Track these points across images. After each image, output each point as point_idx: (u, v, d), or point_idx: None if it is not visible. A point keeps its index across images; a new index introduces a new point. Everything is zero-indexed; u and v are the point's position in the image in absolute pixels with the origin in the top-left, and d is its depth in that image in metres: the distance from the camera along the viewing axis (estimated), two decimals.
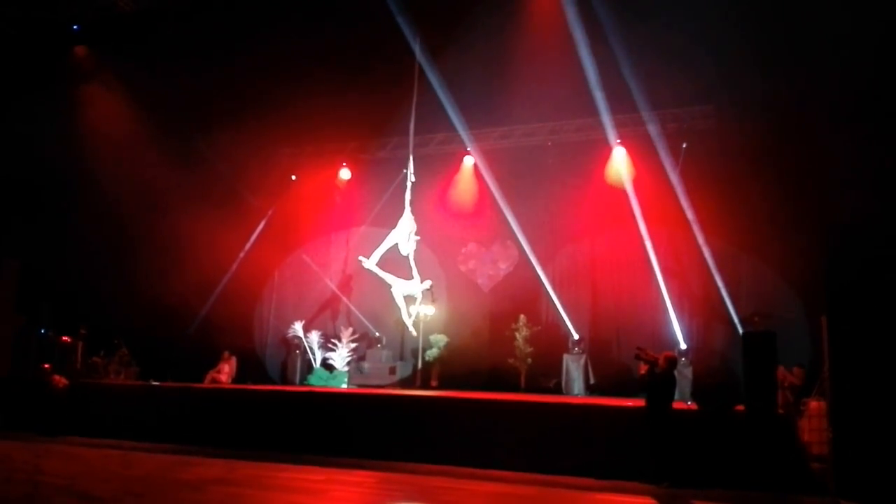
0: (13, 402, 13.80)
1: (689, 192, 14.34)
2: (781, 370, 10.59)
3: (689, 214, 14.31)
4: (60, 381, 13.55)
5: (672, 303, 14.36)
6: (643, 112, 15.00)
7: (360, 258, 14.86)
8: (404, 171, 16.98)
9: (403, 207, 14.77)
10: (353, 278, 17.97)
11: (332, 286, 17.97)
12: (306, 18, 15.56)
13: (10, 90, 16.56)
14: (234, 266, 17.82)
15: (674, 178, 14.62)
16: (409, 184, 14.76)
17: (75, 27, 17.35)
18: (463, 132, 16.41)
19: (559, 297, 15.54)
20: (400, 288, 14.59)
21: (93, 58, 18.00)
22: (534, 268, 16.02)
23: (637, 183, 15.25)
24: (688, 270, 14.54)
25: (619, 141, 15.60)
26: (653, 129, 15.16)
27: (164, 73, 16.19)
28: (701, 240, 14.20)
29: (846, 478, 8.13)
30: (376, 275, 14.66)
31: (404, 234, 14.46)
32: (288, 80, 15.93)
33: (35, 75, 16.87)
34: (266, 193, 18.22)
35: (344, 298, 17.77)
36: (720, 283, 13.99)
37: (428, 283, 14.58)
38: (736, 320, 13.50)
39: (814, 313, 10.17)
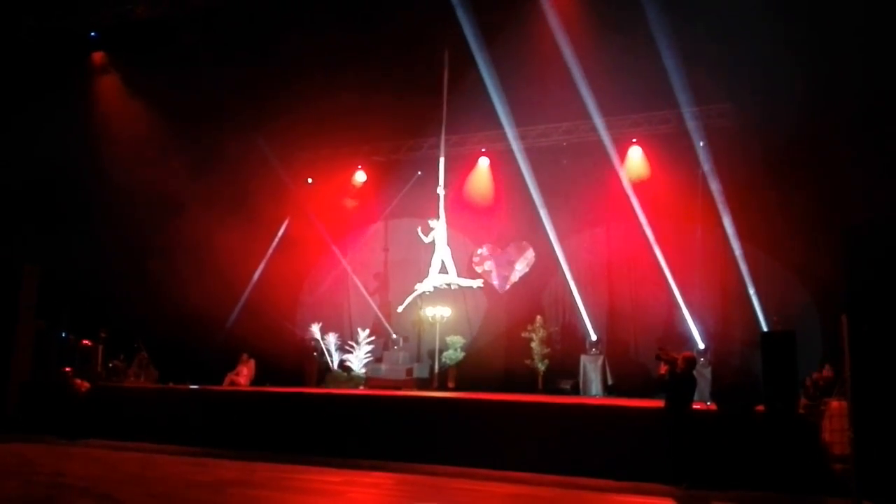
0: (35, 406, 13.92)
1: (707, 192, 14.26)
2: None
3: (707, 214, 14.24)
4: (81, 384, 13.67)
5: (690, 303, 14.27)
6: (660, 111, 14.98)
7: (417, 286, 15.74)
8: (419, 172, 17.14)
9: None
10: (369, 280, 18.05)
11: (360, 285, 18.01)
12: (322, 23, 15.62)
13: (29, 97, 16.74)
14: (259, 271, 17.95)
15: (691, 177, 14.56)
16: (441, 193, 15.61)
17: (93, 34, 17.53)
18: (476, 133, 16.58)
19: (576, 298, 15.48)
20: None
21: (110, 64, 18.19)
22: (550, 269, 15.99)
23: (654, 182, 15.20)
24: (706, 270, 14.44)
25: (635, 140, 15.55)
26: (670, 128, 15.13)
27: (181, 78, 16.32)
28: (719, 239, 14.13)
29: (869, 479, 8.03)
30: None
31: (443, 242, 15.46)
32: (303, 84, 16.00)
33: (53, 82, 17.05)
34: (283, 196, 18.32)
35: (369, 299, 17.79)
36: (739, 283, 13.90)
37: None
38: (755, 320, 13.38)
39: (832, 313, 10.06)
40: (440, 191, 15.84)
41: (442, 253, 15.68)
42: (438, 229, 15.72)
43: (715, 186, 14.09)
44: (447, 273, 15.63)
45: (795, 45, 12.27)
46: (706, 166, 14.28)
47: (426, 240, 15.80)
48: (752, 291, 13.44)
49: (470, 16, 14.51)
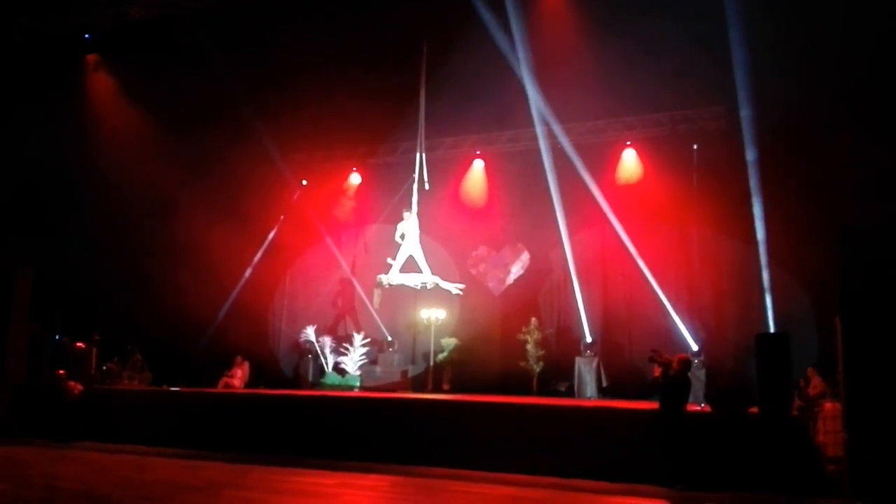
0: (28, 409, 13.88)
1: (700, 194, 14.29)
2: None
3: (702, 216, 14.27)
4: (75, 387, 13.64)
5: (684, 305, 14.30)
6: (655, 113, 15.01)
7: (381, 277, 15.30)
8: (413, 175, 17.09)
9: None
10: (364, 282, 18.01)
11: (358, 287, 17.96)
12: (316, 25, 15.64)
13: (22, 98, 16.71)
14: (249, 272, 17.91)
15: (685, 179, 14.59)
16: (414, 188, 15.19)
17: (87, 36, 17.51)
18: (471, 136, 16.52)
19: (571, 300, 15.50)
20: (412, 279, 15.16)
21: (104, 65, 18.17)
22: (545, 271, 15.98)
23: (647, 184, 15.23)
24: (700, 272, 14.47)
25: (629, 143, 15.59)
26: (664, 131, 15.17)
27: (175, 80, 16.31)
28: (712, 241, 14.16)
29: (862, 479, 8.07)
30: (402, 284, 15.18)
31: (414, 238, 14.98)
32: (297, 86, 16.02)
33: (47, 84, 17.02)
34: (277, 199, 18.31)
35: (366, 300, 17.71)
36: (733, 285, 13.93)
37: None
38: (749, 321, 13.40)
39: (825, 315, 10.11)
40: (415, 184, 15.30)
41: (412, 248, 15.08)
42: (409, 222, 15.14)
43: (707, 188, 14.14)
44: (421, 272, 15.15)
45: (789, 47, 12.32)
46: (699, 169, 14.33)
47: (398, 232, 15.22)
48: (766, 291, 13.36)
49: (466, 18, 14.51)
